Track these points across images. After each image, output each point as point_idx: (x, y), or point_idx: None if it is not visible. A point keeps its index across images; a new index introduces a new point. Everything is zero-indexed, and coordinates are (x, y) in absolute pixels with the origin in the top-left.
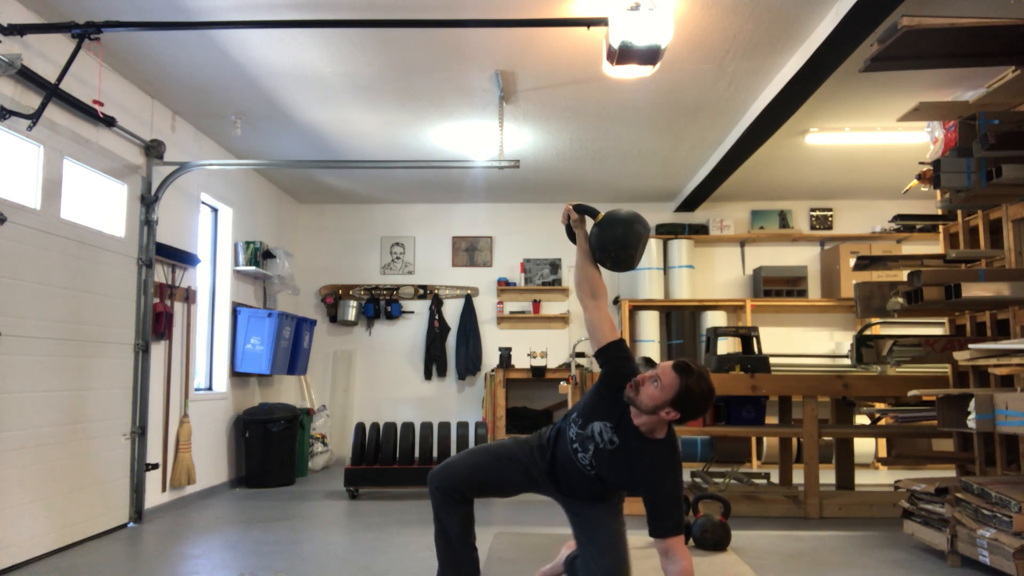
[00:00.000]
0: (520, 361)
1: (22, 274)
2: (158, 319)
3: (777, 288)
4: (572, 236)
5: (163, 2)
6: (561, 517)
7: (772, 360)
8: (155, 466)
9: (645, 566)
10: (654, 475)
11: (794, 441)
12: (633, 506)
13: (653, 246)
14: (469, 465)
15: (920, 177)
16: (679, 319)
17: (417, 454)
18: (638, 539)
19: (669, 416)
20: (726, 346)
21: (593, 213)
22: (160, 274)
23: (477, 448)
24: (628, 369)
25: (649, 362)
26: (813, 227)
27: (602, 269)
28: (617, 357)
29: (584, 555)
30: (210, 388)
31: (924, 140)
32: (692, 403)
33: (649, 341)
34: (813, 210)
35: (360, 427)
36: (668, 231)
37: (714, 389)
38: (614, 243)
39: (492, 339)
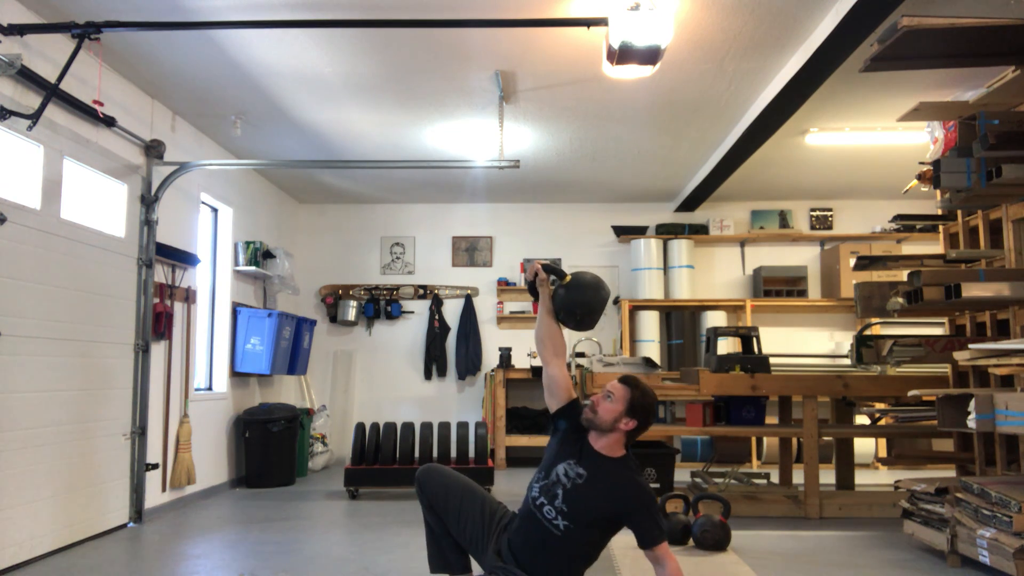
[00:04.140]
0: (520, 361)
1: (22, 274)
2: (158, 319)
3: (777, 288)
4: (533, 292)
5: (163, 2)
6: None
7: (772, 360)
8: (155, 466)
9: (645, 566)
10: (629, 490)
11: (794, 441)
12: None
13: (653, 246)
14: (449, 486)
15: (920, 177)
16: (679, 319)
17: (417, 454)
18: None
19: (628, 426)
20: (726, 346)
21: (561, 274)
22: (160, 274)
23: (469, 483)
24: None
25: (649, 362)
26: (813, 227)
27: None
28: (578, 413)
29: None
30: (210, 388)
31: (924, 140)
32: (644, 409)
33: (649, 341)
34: (813, 210)
35: (360, 427)
36: (668, 231)
37: (656, 396)
38: (582, 307)
39: (492, 339)
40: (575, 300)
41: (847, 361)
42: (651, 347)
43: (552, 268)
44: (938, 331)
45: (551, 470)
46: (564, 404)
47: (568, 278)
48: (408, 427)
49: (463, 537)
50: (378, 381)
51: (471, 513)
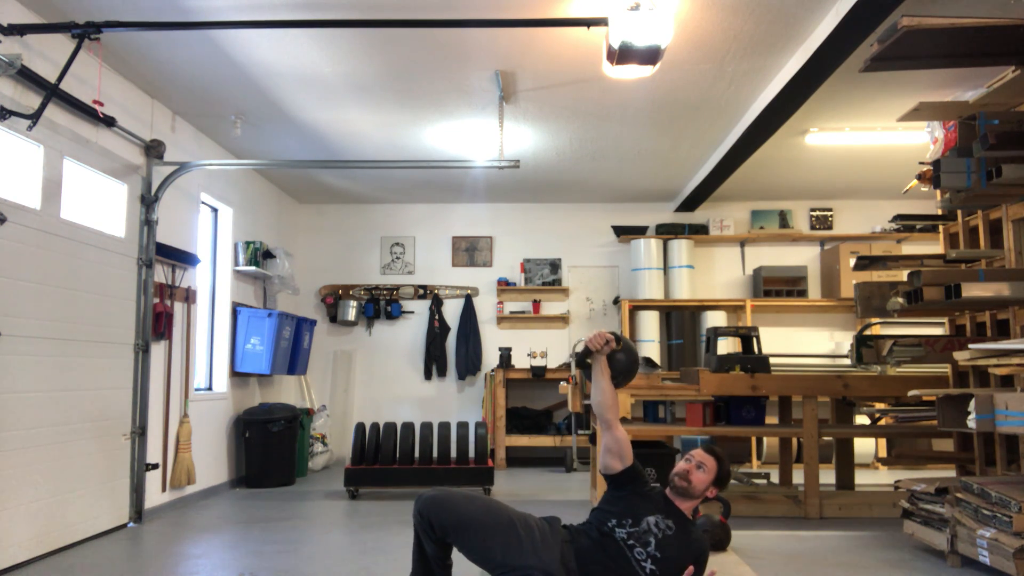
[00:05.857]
0: (520, 361)
1: (22, 274)
2: (158, 319)
3: (777, 288)
4: (582, 364)
5: (163, 2)
6: None
7: (772, 360)
8: (155, 466)
9: None
10: (701, 549)
11: (794, 441)
12: None
13: (653, 246)
14: (461, 508)
15: (920, 177)
16: (679, 319)
17: (417, 454)
18: None
19: (711, 494)
20: (726, 346)
21: (619, 340)
22: (160, 274)
23: (484, 499)
24: (647, 475)
25: (649, 362)
26: (813, 227)
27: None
28: (642, 470)
29: None
30: (210, 388)
31: (924, 140)
32: (726, 479)
33: (649, 341)
34: (813, 210)
35: (360, 427)
36: (668, 231)
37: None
38: (636, 365)
39: (492, 339)
40: (633, 361)
41: (847, 361)
42: (651, 347)
43: (619, 336)
44: (938, 331)
45: (640, 519)
46: (630, 465)
47: (620, 344)
48: (408, 427)
49: (492, 557)
50: (378, 381)
51: (502, 528)
